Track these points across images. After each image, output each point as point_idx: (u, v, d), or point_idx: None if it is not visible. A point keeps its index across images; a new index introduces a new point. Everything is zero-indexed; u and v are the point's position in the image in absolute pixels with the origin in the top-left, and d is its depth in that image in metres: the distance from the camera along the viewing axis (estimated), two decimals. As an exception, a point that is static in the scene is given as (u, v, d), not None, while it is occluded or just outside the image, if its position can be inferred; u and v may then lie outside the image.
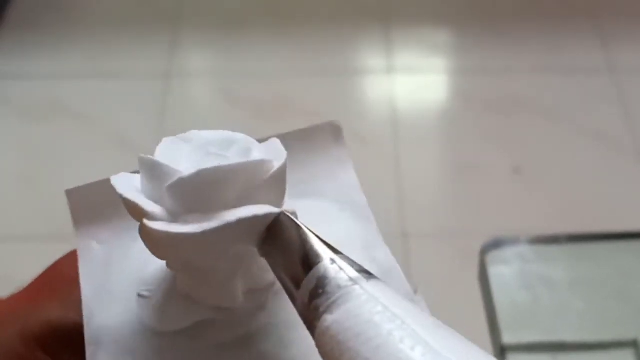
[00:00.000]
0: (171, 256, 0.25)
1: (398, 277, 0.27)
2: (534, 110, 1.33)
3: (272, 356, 0.26)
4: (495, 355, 0.53)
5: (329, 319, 0.20)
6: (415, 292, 0.27)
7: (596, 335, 0.53)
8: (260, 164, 0.24)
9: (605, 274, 0.57)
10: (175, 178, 0.23)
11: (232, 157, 0.25)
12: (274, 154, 0.25)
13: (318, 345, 0.21)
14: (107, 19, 1.52)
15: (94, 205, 0.29)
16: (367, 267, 0.22)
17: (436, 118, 1.37)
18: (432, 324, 0.19)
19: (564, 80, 1.38)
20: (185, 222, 0.23)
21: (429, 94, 1.39)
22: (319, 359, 0.21)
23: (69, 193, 0.29)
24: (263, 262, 0.25)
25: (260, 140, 0.26)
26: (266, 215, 0.23)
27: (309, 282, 0.21)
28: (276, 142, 0.26)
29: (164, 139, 0.26)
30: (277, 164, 0.24)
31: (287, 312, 0.26)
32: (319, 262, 0.22)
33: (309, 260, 0.22)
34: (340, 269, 0.21)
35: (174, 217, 0.24)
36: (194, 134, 0.26)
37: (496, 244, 0.59)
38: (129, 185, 0.25)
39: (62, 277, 0.29)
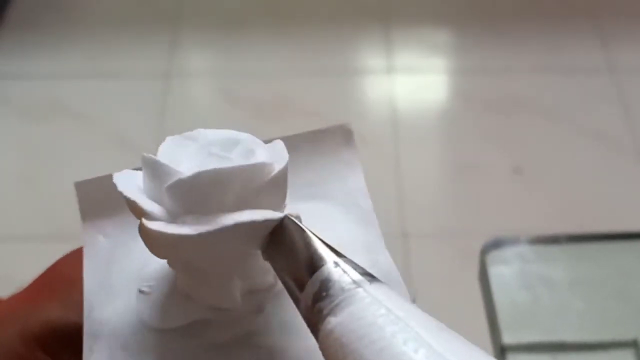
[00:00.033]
0: (169, 256, 0.25)
1: (397, 283, 0.27)
2: (534, 110, 1.33)
3: (269, 358, 0.25)
4: (496, 355, 0.53)
5: (332, 322, 0.20)
6: (414, 300, 0.27)
7: (596, 335, 0.53)
8: (260, 166, 0.24)
9: (605, 274, 0.57)
10: (174, 178, 0.23)
11: (234, 159, 0.25)
12: (275, 156, 0.25)
13: (322, 348, 0.21)
14: (107, 19, 1.52)
15: (102, 198, 0.28)
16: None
17: (436, 118, 1.37)
18: (435, 327, 0.19)
19: (564, 80, 1.38)
20: (183, 223, 0.23)
21: (429, 94, 1.39)
22: None
23: (78, 186, 0.29)
24: (263, 263, 0.25)
25: (267, 141, 0.26)
26: (265, 221, 0.23)
27: (312, 285, 0.21)
28: (279, 145, 0.26)
29: (168, 138, 0.26)
30: (278, 167, 0.24)
31: (286, 315, 0.26)
32: (323, 265, 0.22)
33: (312, 263, 0.22)
34: (344, 272, 0.21)
35: (172, 218, 0.24)
36: (199, 132, 0.26)
37: (496, 244, 0.59)
38: (131, 183, 0.25)
39: (62, 277, 0.29)
